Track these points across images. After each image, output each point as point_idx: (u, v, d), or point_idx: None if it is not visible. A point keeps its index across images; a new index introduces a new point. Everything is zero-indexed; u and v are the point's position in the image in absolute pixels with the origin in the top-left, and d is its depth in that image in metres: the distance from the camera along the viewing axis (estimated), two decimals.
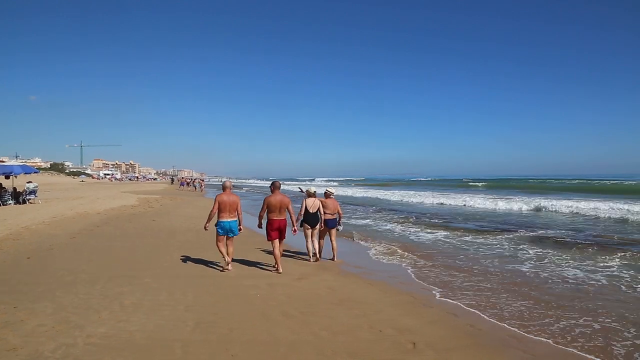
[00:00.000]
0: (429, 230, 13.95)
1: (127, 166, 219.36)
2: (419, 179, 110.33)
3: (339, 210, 9.32)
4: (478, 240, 11.71)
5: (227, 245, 7.83)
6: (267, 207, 7.82)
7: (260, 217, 8.12)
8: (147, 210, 20.39)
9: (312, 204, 8.89)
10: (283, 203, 7.81)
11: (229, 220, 7.68)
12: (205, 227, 7.93)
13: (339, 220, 9.36)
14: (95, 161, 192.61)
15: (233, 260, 7.99)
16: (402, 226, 15.28)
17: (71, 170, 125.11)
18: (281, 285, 6.73)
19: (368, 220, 17.38)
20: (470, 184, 64.70)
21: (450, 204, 26.56)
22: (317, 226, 8.95)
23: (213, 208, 7.62)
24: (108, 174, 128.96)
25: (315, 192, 9.16)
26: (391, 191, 42.36)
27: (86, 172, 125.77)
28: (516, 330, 4.90)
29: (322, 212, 8.96)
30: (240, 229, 7.89)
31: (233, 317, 5.09)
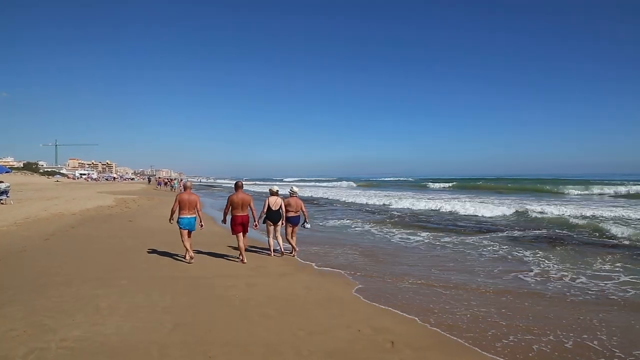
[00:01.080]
0: (395, 232, 14.11)
1: (104, 166, 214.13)
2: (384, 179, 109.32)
3: (303, 208, 9.75)
4: (455, 241, 11.91)
5: (189, 238, 8.45)
6: (231, 205, 8.60)
7: (225, 214, 8.80)
8: (124, 210, 19.96)
9: (274, 202, 9.31)
10: (245, 201, 8.58)
11: (188, 216, 8.39)
12: (169, 221, 8.77)
13: (306, 218, 9.85)
14: (71, 161, 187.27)
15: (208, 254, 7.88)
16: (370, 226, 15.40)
17: (46, 170, 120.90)
18: (259, 286, 6.69)
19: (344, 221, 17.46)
20: (431, 184, 62.47)
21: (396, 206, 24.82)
22: (279, 223, 9.40)
23: (174, 205, 8.39)
24: (84, 174, 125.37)
25: (277, 191, 9.63)
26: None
27: (61, 172, 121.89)
28: (492, 328, 5.00)
29: (284, 210, 9.39)
30: (201, 226, 8.55)
31: (212, 318, 5.03)
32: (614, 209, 19.50)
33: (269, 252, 9.38)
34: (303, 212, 9.73)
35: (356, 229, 14.73)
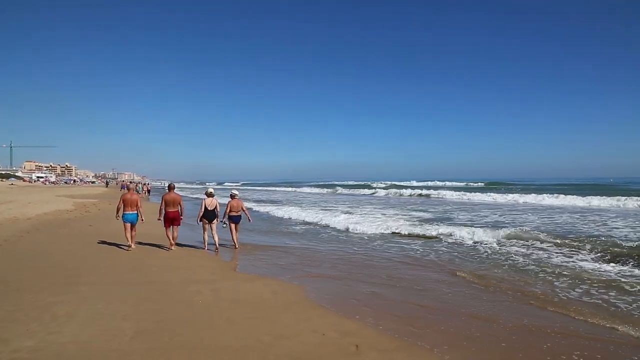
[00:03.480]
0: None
1: (63, 169, 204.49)
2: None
3: (243, 208, 10.97)
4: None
5: (131, 231, 10.14)
6: (164, 203, 10.16)
7: (160, 211, 10.24)
8: (83, 215, 19.10)
9: (210, 203, 10.38)
10: (175, 200, 10.22)
11: (130, 213, 10.09)
12: (116, 217, 10.30)
13: (248, 217, 11.22)
14: (27, 163, 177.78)
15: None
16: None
17: None
18: (225, 291, 6.54)
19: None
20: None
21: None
22: (214, 221, 10.40)
23: (118, 204, 10.14)
24: (41, 177, 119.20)
25: (212, 192, 10.69)
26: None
27: (16, 174, 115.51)
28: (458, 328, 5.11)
29: (218, 210, 10.49)
30: (142, 220, 10.29)
31: (175, 324, 4.86)
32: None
33: (203, 247, 10.43)
34: (244, 211, 10.93)
35: (332, 233, 14.75)
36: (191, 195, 44.58)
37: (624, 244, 10.58)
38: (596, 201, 26.44)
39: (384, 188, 58.23)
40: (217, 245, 10.24)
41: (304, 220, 18.42)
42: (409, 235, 13.47)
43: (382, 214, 20.26)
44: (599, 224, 15.59)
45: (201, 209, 10.34)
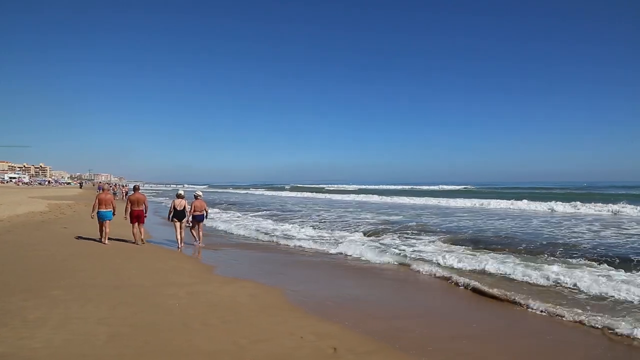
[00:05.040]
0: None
1: (37, 169, 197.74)
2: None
3: (206, 208, 11.84)
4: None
5: (105, 227, 11.02)
6: (130, 202, 11.13)
7: (126, 210, 11.13)
8: (58, 217, 18.53)
9: (179, 203, 11.17)
10: (139, 199, 11.23)
11: (104, 210, 11.03)
12: (91, 216, 11.29)
13: (206, 215, 12.00)
14: (0, 163, 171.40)
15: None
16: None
17: None
18: (202, 294, 6.46)
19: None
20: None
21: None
22: (183, 220, 11.20)
23: (94, 203, 11.11)
24: (14, 178, 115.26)
25: (181, 194, 11.50)
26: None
27: None
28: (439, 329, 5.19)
29: (187, 210, 11.26)
30: (114, 214, 11.25)
31: (151, 328, 4.77)
32: None
33: (178, 245, 11.08)
34: (206, 211, 11.79)
35: (305, 234, 14.73)
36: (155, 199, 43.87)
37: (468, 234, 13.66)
38: (524, 205, 27.15)
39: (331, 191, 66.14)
40: (180, 243, 11.10)
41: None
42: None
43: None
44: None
45: (171, 209, 11.20)
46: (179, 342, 4.38)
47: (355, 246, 11.32)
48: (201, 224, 11.74)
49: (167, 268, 8.41)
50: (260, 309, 5.80)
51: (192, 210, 11.41)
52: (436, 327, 5.32)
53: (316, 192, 65.72)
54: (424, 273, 8.48)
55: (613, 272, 7.97)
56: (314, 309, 5.91)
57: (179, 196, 11.34)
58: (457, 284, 7.56)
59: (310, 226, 16.87)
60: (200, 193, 12.07)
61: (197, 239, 11.62)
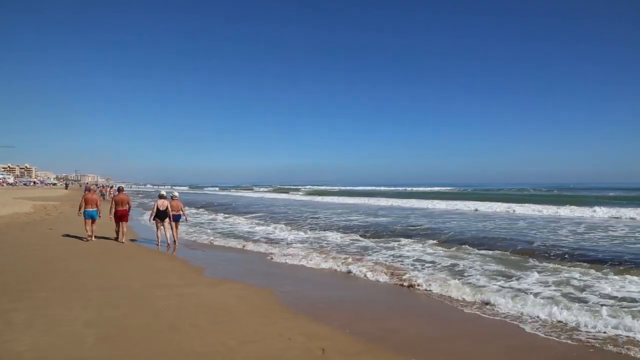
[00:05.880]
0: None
1: (22, 170, 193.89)
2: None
3: (182, 208, 12.15)
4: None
5: (92, 225, 11.65)
6: (114, 203, 11.84)
7: (111, 210, 11.84)
8: (43, 218, 18.22)
9: (162, 204, 11.50)
10: (123, 200, 11.93)
11: (91, 210, 11.60)
12: (78, 214, 11.96)
13: (184, 215, 12.31)
14: None
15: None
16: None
17: None
18: (190, 295, 6.40)
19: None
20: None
21: None
22: (166, 219, 11.52)
23: (81, 202, 11.66)
24: None
25: (163, 194, 11.92)
26: None
27: None
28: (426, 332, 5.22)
29: (170, 210, 11.56)
30: (99, 216, 11.84)
31: (139, 330, 4.71)
32: None
33: (157, 243, 11.45)
34: (182, 211, 12.11)
35: (289, 237, 14.71)
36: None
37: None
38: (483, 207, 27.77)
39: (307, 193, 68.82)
40: (169, 241, 11.50)
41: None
42: None
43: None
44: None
45: (153, 209, 11.46)
46: (168, 344, 4.33)
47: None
48: (177, 224, 12.14)
49: (156, 269, 8.33)
50: (250, 310, 5.77)
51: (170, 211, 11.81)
52: (426, 328, 5.36)
53: (285, 192, 71.37)
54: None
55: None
56: (304, 310, 5.89)
57: (161, 197, 11.72)
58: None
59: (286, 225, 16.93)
60: (177, 194, 12.55)
61: (174, 239, 11.83)
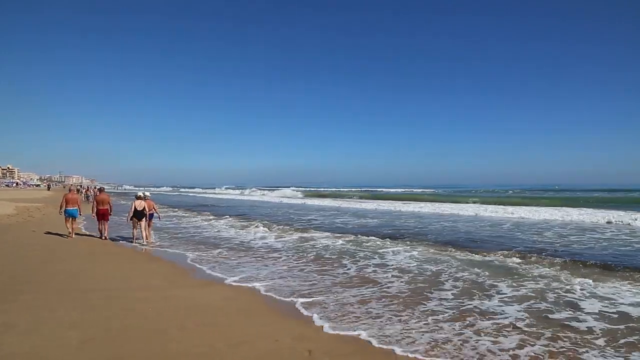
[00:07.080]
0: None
1: (4, 171, 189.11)
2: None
3: (155, 207, 12.87)
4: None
5: (72, 223, 12.56)
6: (96, 202, 12.77)
7: (92, 209, 12.81)
8: (27, 220, 17.87)
9: (139, 204, 11.95)
10: (104, 200, 12.78)
11: (71, 209, 12.49)
12: (59, 212, 12.82)
13: (158, 214, 13.24)
14: None
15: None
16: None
17: None
18: (176, 298, 6.33)
19: None
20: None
21: None
22: (143, 219, 11.95)
23: (62, 201, 12.56)
24: None
25: (141, 195, 12.39)
26: None
27: None
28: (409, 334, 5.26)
29: (147, 210, 12.12)
30: (80, 214, 12.91)
31: (125, 333, 4.65)
32: None
33: (132, 240, 12.10)
34: (155, 210, 12.80)
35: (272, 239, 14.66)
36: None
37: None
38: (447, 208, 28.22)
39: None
40: (145, 240, 11.97)
41: None
42: None
43: None
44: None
45: (131, 209, 11.91)
46: (155, 347, 4.29)
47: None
48: (151, 222, 12.89)
49: (141, 271, 8.22)
50: (236, 312, 5.74)
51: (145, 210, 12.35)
52: (416, 326, 5.40)
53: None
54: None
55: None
56: (290, 311, 5.89)
57: (138, 197, 12.25)
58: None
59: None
60: (148, 194, 13.15)
61: (147, 237, 12.22)
